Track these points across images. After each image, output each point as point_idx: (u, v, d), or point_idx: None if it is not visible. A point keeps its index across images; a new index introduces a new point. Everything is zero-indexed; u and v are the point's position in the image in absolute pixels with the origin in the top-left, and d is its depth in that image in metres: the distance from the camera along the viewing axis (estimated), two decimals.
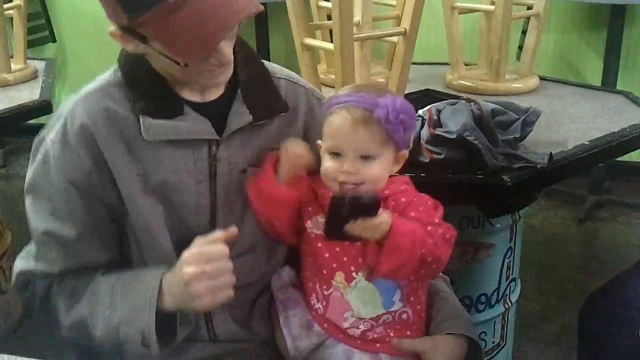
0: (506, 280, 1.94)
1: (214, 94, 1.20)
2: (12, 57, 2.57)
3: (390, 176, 1.18)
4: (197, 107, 1.16)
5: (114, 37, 1.08)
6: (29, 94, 2.33)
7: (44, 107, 2.25)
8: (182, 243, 1.10)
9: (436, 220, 1.14)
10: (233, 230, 1.09)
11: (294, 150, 1.16)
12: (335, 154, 1.14)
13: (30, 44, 2.72)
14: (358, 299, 1.17)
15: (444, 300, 1.28)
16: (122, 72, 1.17)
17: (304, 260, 1.23)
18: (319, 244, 1.18)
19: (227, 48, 1.09)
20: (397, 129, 1.11)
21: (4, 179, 4.11)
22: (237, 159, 1.19)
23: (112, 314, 1.11)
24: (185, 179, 1.16)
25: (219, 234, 1.07)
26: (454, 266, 1.75)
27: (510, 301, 1.99)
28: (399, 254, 1.07)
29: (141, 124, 1.12)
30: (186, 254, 1.06)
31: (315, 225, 1.19)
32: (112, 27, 1.07)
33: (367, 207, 1.05)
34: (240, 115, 1.18)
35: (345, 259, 1.16)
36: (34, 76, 2.57)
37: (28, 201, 1.18)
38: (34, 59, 2.78)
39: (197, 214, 1.17)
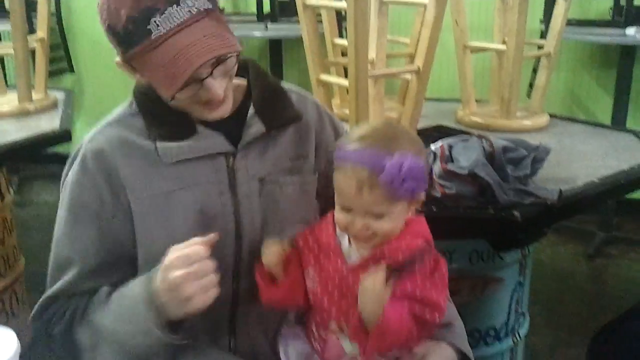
0: (515, 314, 1.96)
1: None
2: (33, 87, 2.62)
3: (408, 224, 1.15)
4: (211, 124, 1.21)
5: (119, 67, 1.16)
6: (48, 123, 2.37)
7: (64, 136, 2.29)
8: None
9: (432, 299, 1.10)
10: (213, 236, 1.10)
11: (264, 251, 1.16)
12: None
13: (49, 74, 2.77)
14: (352, 345, 1.15)
15: None
16: (136, 102, 1.24)
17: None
18: (311, 295, 1.19)
19: (217, 85, 1.12)
20: (403, 192, 1.06)
21: (18, 206, 4.16)
22: (254, 168, 1.23)
23: (121, 338, 1.12)
24: (208, 190, 1.20)
25: (195, 239, 1.09)
26: (463, 299, 1.76)
27: (519, 335, 2.00)
28: (386, 339, 1.06)
29: (158, 149, 1.18)
30: (167, 260, 1.06)
31: (307, 275, 1.19)
32: (117, 58, 1.15)
33: None
34: (253, 126, 1.23)
35: (336, 310, 1.15)
36: (53, 106, 2.61)
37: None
38: (52, 88, 2.83)
39: (223, 223, 1.20)
